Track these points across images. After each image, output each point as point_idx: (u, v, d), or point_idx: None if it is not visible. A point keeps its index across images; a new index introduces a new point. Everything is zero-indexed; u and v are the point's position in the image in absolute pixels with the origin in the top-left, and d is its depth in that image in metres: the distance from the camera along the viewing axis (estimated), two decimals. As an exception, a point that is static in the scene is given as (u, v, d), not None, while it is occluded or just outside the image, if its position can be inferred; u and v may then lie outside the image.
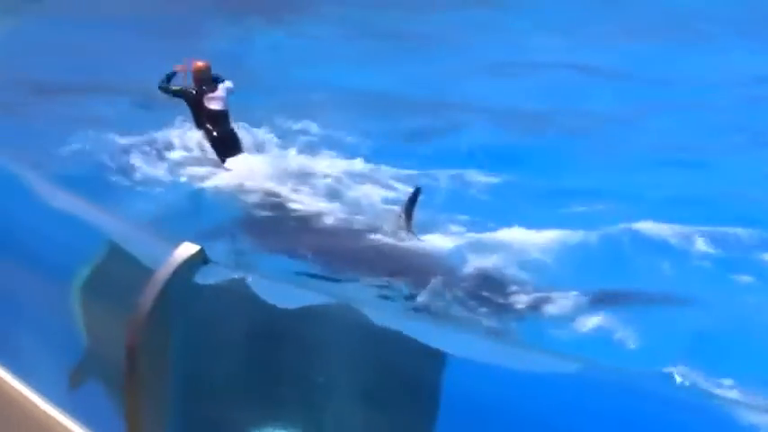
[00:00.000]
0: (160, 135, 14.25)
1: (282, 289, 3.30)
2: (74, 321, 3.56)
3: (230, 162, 13.38)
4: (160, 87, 14.03)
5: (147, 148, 13.98)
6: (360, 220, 11.80)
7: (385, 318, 3.19)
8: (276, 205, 12.39)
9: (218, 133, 13.70)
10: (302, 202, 12.44)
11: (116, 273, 3.48)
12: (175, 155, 13.79)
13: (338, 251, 10.99)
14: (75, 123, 14.72)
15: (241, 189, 12.71)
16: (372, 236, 11.33)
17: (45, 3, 19.78)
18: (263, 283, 3.31)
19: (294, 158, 13.58)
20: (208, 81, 13.94)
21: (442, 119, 16.77)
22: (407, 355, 3.07)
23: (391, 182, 13.10)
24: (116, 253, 3.50)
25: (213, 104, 13.94)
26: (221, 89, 13.99)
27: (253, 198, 12.61)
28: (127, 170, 13.63)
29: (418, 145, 15.16)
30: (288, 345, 3.21)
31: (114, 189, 13.10)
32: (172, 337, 3.40)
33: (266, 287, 3.31)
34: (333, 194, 12.75)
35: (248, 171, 13.05)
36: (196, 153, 13.70)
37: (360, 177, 12.97)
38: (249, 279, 3.31)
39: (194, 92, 13.86)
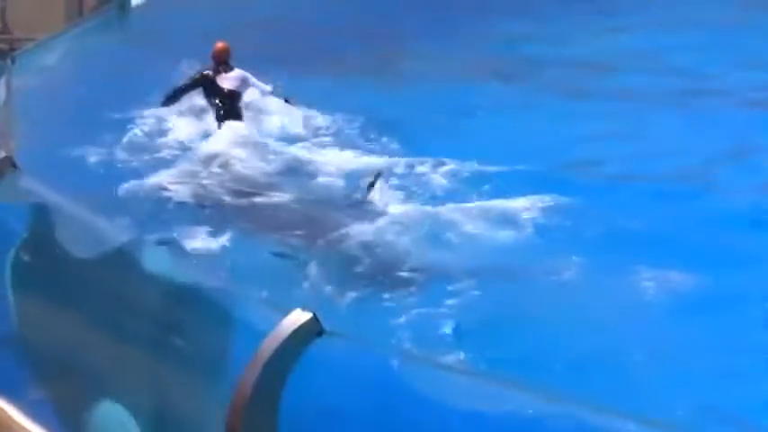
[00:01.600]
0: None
1: (416, 367, 2.80)
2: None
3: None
4: (163, 105, 14.04)
5: None
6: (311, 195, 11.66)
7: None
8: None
9: (224, 111, 13.76)
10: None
11: (216, 342, 2.99)
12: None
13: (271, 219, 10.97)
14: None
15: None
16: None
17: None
18: (390, 358, 2.82)
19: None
20: (225, 63, 14.04)
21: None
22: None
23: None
24: (216, 318, 3.01)
25: (226, 84, 14.04)
26: (237, 71, 14.03)
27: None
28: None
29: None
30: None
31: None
32: (280, 421, 2.91)
33: (395, 364, 2.81)
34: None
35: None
36: None
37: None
38: (374, 354, 2.82)
39: (208, 72, 13.95)
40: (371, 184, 11.41)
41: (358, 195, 11.26)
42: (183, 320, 3.17)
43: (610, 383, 6.82)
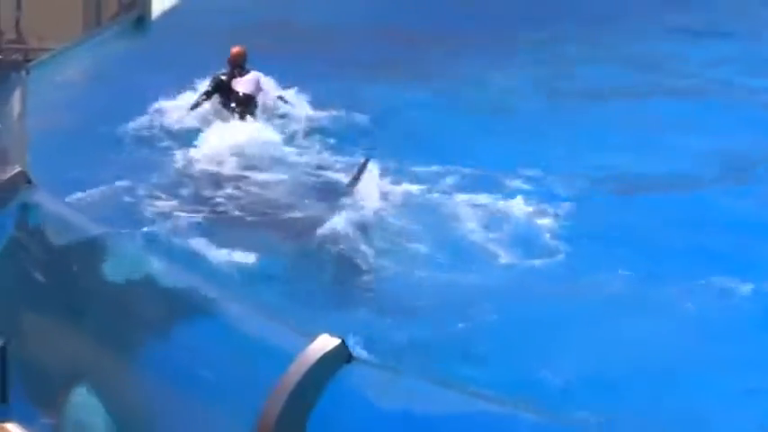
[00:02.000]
0: None
1: (446, 395, 2.66)
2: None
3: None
4: (191, 109, 14.15)
5: None
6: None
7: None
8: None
9: (240, 114, 13.89)
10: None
11: (240, 369, 2.85)
12: None
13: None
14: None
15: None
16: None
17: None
18: (422, 387, 2.68)
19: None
20: (241, 67, 14.13)
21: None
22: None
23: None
24: (239, 342, 2.88)
25: (240, 87, 14.19)
26: (252, 74, 14.09)
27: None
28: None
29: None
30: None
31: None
32: (307, 451, 2.76)
33: (426, 393, 2.67)
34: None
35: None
36: None
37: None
38: (406, 383, 2.68)
39: (224, 77, 14.08)
40: (360, 172, 11.40)
41: (346, 187, 11.25)
42: (204, 344, 3.04)
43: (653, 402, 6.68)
